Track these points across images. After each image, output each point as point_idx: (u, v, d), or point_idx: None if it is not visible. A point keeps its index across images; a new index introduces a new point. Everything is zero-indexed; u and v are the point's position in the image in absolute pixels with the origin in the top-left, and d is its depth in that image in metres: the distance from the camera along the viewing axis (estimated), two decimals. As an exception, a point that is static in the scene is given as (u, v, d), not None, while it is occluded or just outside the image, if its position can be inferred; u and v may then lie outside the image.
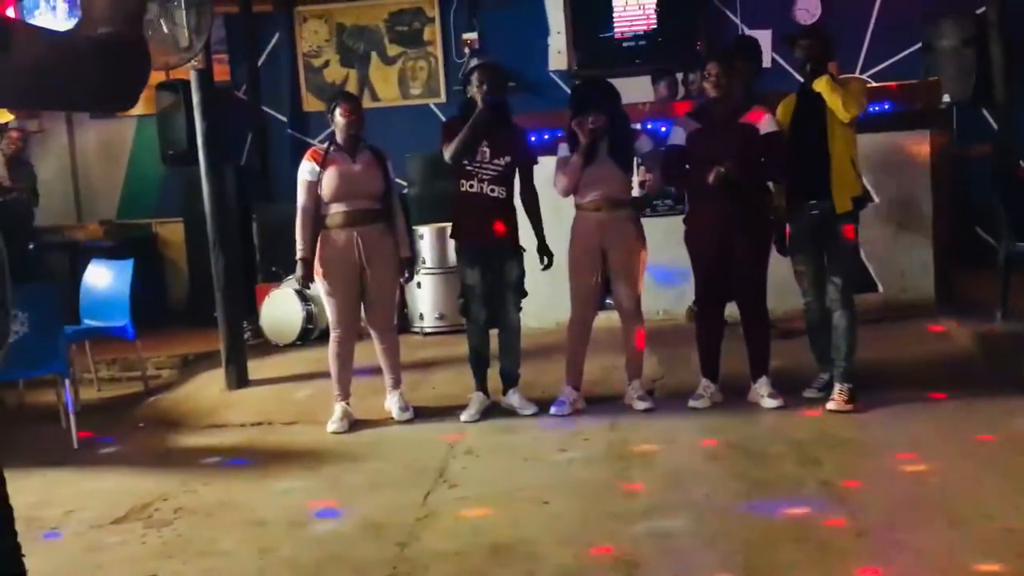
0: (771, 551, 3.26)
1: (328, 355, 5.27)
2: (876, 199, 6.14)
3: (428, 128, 7.85)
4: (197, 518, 4.03)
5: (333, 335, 5.22)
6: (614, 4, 8.16)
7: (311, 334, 7.04)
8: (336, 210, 5.09)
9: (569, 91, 8.16)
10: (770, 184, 5.03)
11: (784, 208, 4.96)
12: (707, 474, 4.11)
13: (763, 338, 5.03)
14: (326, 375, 5.39)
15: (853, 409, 4.74)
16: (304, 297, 6.97)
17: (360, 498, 4.12)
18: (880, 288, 6.44)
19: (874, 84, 7.08)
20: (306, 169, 5.12)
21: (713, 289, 5.04)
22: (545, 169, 5.23)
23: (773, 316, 5.17)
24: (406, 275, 5.40)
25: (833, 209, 4.76)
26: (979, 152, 7.65)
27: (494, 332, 5.29)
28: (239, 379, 6.04)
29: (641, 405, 5.08)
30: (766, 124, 4.85)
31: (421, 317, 7.17)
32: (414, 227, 6.90)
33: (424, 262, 7.05)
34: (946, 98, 7.07)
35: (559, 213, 5.34)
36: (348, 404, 5.26)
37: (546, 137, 6.30)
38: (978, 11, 7.22)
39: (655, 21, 8.13)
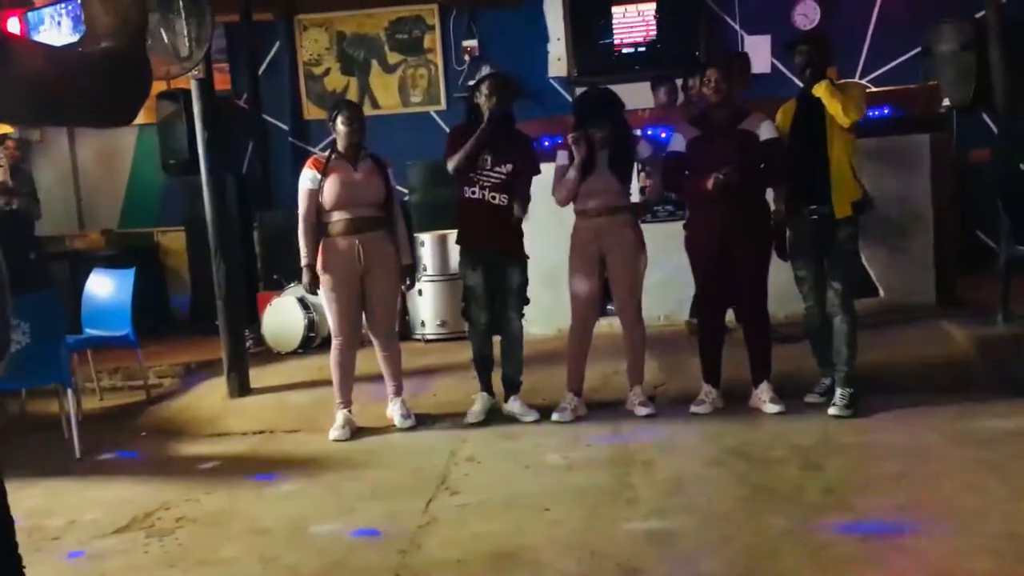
0: (773, 557, 3.26)
1: (330, 363, 5.27)
2: (876, 205, 6.14)
3: (428, 135, 7.88)
4: (199, 527, 4.03)
5: (335, 342, 5.23)
6: (613, 11, 8.18)
7: (313, 342, 7.04)
8: (338, 218, 5.10)
9: (569, 98, 8.31)
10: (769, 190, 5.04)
11: (784, 213, 4.96)
12: (709, 480, 4.10)
13: (764, 343, 5.03)
14: (328, 383, 5.39)
15: (854, 414, 4.74)
16: (306, 305, 6.97)
17: (362, 506, 4.12)
18: (881, 292, 6.44)
19: (873, 89, 7.11)
20: (307, 177, 5.13)
21: (714, 295, 5.04)
22: (545, 176, 5.24)
23: (774, 320, 5.17)
24: (407, 282, 5.42)
25: (833, 214, 4.77)
26: (979, 156, 7.65)
27: (497, 337, 5.30)
28: (241, 387, 6.04)
29: (643, 411, 5.08)
30: (766, 130, 4.86)
31: (422, 324, 7.17)
32: (415, 234, 6.92)
33: (425, 269, 7.05)
34: (946, 102, 7.07)
35: (559, 219, 5.34)
36: (350, 412, 5.26)
37: (546, 144, 6.31)
38: (977, 15, 7.22)
39: (654, 28, 8.15)
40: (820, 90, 4.74)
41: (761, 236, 4.94)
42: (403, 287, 5.43)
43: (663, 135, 6.10)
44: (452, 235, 5.69)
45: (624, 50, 8.18)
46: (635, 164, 5.17)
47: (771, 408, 4.94)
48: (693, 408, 5.05)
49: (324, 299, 5.25)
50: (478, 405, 5.27)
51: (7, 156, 7.93)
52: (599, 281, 5.12)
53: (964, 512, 3.51)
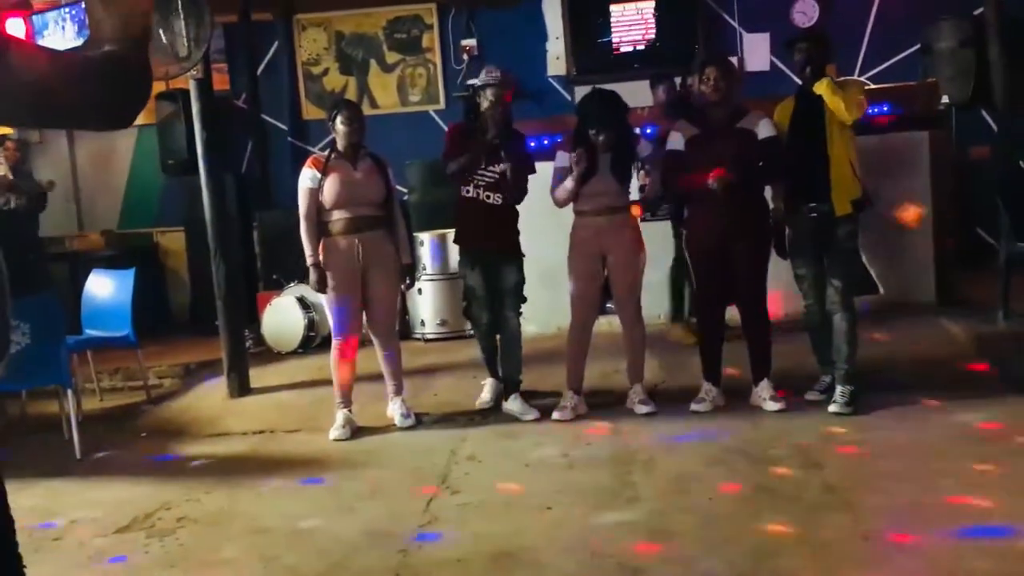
0: (775, 555, 3.26)
1: (330, 362, 5.27)
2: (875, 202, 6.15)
3: (427, 135, 7.87)
4: (200, 527, 4.03)
5: (335, 342, 5.23)
6: (612, 10, 8.17)
7: (313, 342, 7.04)
8: (337, 217, 5.10)
9: (568, 97, 8.31)
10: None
11: (783, 211, 4.96)
12: (709, 478, 4.10)
13: (764, 341, 5.03)
14: (328, 383, 5.39)
15: (855, 412, 4.74)
16: (306, 305, 6.97)
17: (362, 505, 4.12)
18: (881, 290, 6.44)
19: (873, 86, 7.10)
20: (307, 177, 5.13)
21: (714, 293, 5.04)
22: (544, 175, 5.23)
23: (733, 323, 5.19)
24: (407, 281, 5.42)
25: (832, 212, 4.76)
26: (978, 153, 7.65)
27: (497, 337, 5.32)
28: (241, 387, 6.04)
29: (643, 409, 5.08)
30: (764, 129, 4.86)
31: (422, 323, 7.17)
32: (415, 233, 6.91)
33: (425, 268, 7.05)
34: (945, 99, 7.07)
35: (557, 218, 5.34)
36: (350, 411, 5.26)
37: (545, 143, 6.31)
38: (976, 12, 7.22)
39: (653, 26, 8.14)
40: (822, 87, 4.74)
41: (760, 234, 4.94)
42: (403, 286, 5.43)
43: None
44: (451, 234, 5.70)
45: (623, 48, 8.18)
46: (635, 163, 5.15)
47: (772, 406, 4.93)
48: (693, 406, 5.04)
49: (324, 298, 5.25)
50: (487, 392, 5.40)
51: (8, 158, 7.92)
52: (599, 280, 5.12)
53: (965, 511, 3.51)
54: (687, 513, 3.71)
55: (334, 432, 5.17)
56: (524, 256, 5.26)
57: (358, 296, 5.16)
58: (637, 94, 7.34)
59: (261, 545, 3.76)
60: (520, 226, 5.27)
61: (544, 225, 5.44)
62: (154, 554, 3.76)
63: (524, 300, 5.27)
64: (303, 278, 5.24)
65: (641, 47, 8.11)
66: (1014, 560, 3.09)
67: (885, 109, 6.41)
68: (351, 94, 8.71)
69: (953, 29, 7.27)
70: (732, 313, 5.11)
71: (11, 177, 7.78)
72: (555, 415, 5.11)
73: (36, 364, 5.07)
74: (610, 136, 4.92)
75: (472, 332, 5.81)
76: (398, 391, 5.33)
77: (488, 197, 5.15)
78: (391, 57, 8.85)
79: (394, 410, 5.30)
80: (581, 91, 7.69)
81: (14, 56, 1.46)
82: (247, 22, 8.50)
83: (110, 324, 6.25)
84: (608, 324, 5.63)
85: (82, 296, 6.55)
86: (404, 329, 6.87)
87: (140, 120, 8.34)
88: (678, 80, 7.30)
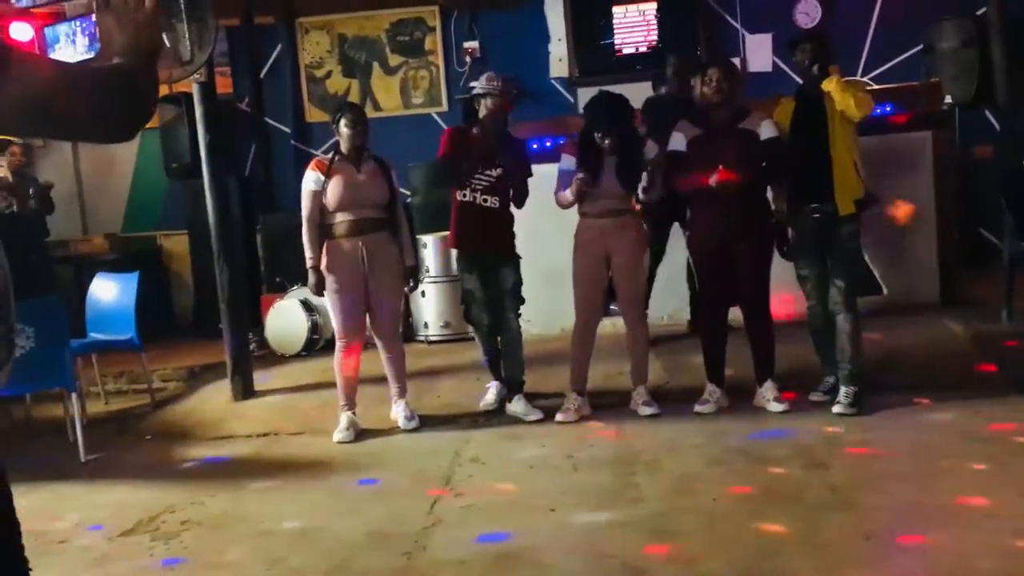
0: (778, 556, 3.26)
1: (334, 365, 5.28)
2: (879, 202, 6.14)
3: (430, 137, 7.83)
4: (204, 530, 4.04)
5: (339, 344, 5.24)
6: (614, 11, 8.17)
7: (316, 344, 7.05)
8: (341, 219, 5.11)
9: (570, 98, 8.31)
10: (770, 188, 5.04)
11: (785, 212, 4.96)
12: (713, 479, 4.10)
13: (768, 342, 5.03)
14: (332, 385, 5.40)
15: (858, 412, 4.74)
16: (309, 307, 6.98)
17: (366, 507, 4.12)
18: (884, 290, 6.43)
19: (875, 87, 7.09)
20: (311, 179, 5.14)
21: (716, 294, 5.04)
22: (547, 179, 5.24)
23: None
24: (411, 284, 5.43)
25: (835, 212, 4.76)
26: (982, 153, 7.64)
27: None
28: (245, 390, 6.04)
29: (646, 411, 5.08)
30: (766, 129, 4.86)
31: (426, 326, 7.17)
32: (418, 236, 6.92)
33: (428, 271, 7.05)
34: (948, 99, 7.06)
35: (560, 220, 5.35)
36: (354, 414, 5.27)
37: (547, 144, 6.31)
38: (978, 12, 7.21)
39: (655, 28, 8.14)
40: (831, 84, 4.73)
41: (762, 235, 4.94)
42: (406, 289, 5.44)
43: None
44: (448, 236, 5.68)
45: (625, 50, 8.18)
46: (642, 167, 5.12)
47: (775, 407, 4.93)
48: (697, 407, 5.05)
49: (328, 301, 5.26)
50: (491, 394, 5.42)
51: (11, 162, 7.92)
52: (603, 282, 5.12)
53: (969, 511, 3.50)
54: (690, 514, 3.71)
55: (338, 435, 5.18)
56: (521, 258, 5.28)
57: (362, 299, 5.17)
58: (639, 95, 7.36)
59: (265, 547, 3.77)
60: (523, 228, 5.27)
61: (547, 227, 5.44)
62: (159, 557, 3.76)
63: (523, 301, 5.29)
64: (307, 281, 5.24)
65: (643, 49, 8.11)
66: (1016, 560, 3.09)
67: (888, 109, 6.41)
68: (354, 97, 8.72)
69: (956, 29, 7.26)
70: (735, 313, 5.11)
71: (11, 180, 7.79)
72: (558, 417, 5.11)
73: (41, 367, 5.08)
74: (615, 139, 4.93)
75: (473, 336, 5.81)
76: (402, 393, 5.34)
77: (485, 200, 5.17)
78: (394, 60, 8.86)
79: (398, 412, 5.31)
80: (583, 93, 7.72)
81: (15, 65, 1.46)
82: (250, 25, 8.51)
83: (114, 327, 6.27)
84: (612, 325, 5.63)
85: (86, 299, 6.56)
86: (407, 331, 6.87)
87: (143, 124, 8.44)
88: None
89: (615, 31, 8.19)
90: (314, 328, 7.02)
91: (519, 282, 5.26)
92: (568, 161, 5.09)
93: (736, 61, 7.29)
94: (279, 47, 8.91)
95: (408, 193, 7.55)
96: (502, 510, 3.95)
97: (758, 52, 8.16)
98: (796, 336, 5.26)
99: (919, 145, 6.40)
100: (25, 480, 4.74)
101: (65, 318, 5.37)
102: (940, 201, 6.42)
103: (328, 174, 5.11)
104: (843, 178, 4.76)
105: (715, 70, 4.90)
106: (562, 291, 5.34)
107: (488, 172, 5.16)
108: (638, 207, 5.16)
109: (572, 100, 8.30)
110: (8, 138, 7.69)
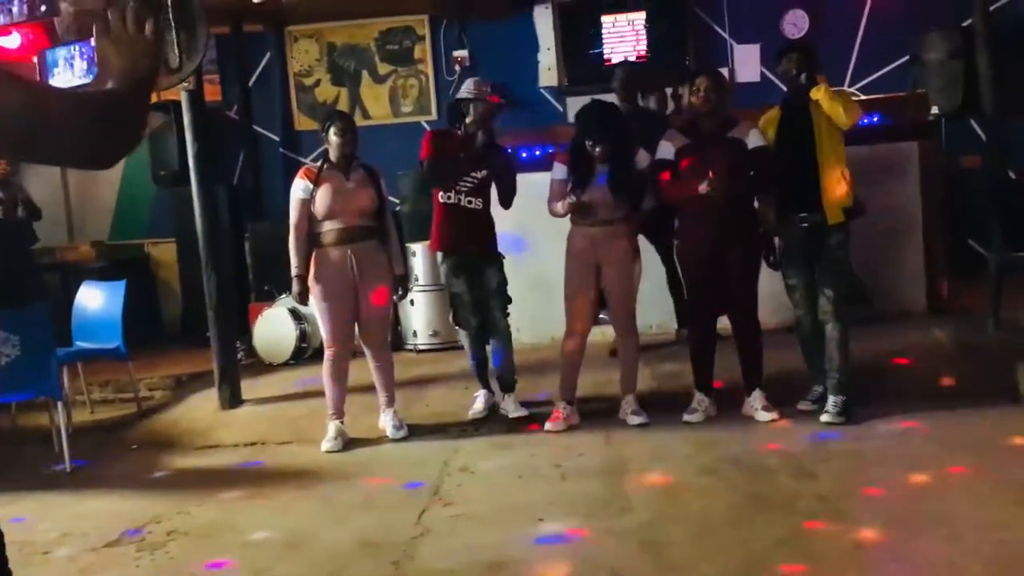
0: (768, 565, 3.26)
1: (322, 373, 5.26)
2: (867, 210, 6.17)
3: (419, 146, 7.86)
4: (190, 540, 4.01)
5: (327, 353, 5.22)
6: (603, 21, 8.19)
7: (304, 353, 7.02)
8: (330, 227, 5.10)
9: (559, 108, 8.33)
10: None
11: (773, 222, 4.97)
12: (702, 488, 4.10)
13: (756, 351, 5.04)
14: (320, 394, 5.37)
15: (847, 421, 4.74)
16: (297, 316, 6.96)
17: (355, 517, 4.10)
18: (872, 300, 6.45)
19: (862, 97, 7.13)
20: (299, 187, 5.13)
21: (705, 303, 5.05)
22: (537, 187, 5.24)
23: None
24: (400, 292, 5.42)
25: (823, 221, 4.78)
26: (969, 163, 7.68)
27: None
28: (232, 399, 6.02)
29: (635, 420, 5.08)
30: (754, 139, 4.87)
31: (415, 335, 7.16)
32: (407, 244, 6.91)
33: (417, 279, 7.04)
34: (934, 110, 7.10)
35: (552, 228, 5.35)
36: (342, 423, 5.24)
37: (537, 153, 6.31)
38: (965, 23, 7.27)
39: (644, 37, 8.17)
40: (819, 93, 4.75)
41: (751, 243, 4.95)
42: (395, 297, 5.43)
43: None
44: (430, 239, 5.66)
45: (614, 59, 8.20)
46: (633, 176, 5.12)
47: (764, 416, 4.94)
48: (686, 417, 5.05)
49: (316, 309, 5.24)
50: (479, 403, 5.43)
51: None
52: (594, 290, 5.12)
53: (959, 519, 3.51)
54: (679, 523, 3.71)
55: (326, 444, 5.15)
56: (504, 257, 5.34)
57: (350, 307, 5.15)
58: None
59: (252, 557, 3.74)
60: (515, 235, 5.29)
61: (541, 233, 5.44)
62: (145, 567, 3.73)
63: (510, 300, 5.33)
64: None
65: (632, 58, 8.13)
66: (1006, 567, 3.09)
67: (875, 119, 6.44)
68: (343, 105, 8.71)
69: (942, 40, 7.31)
70: (723, 323, 5.12)
71: (1, 196, 7.74)
72: (548, 426, 5.11)
73: (26, 376, 5.05)
74: (607, 147, 4.93)
75: (462, 345, 5.79)
76: (390, 402, 5.32)
77: (470, 202, 5.22)
78: (383, 68, 8.86)
79: (386, 422, 5.29)
80: (572, 102, 7.74)
81: None
82: (239, 33, 8.50)
83: (101, 336, 6.22)
84: (602, 334, 5.63)
85: (73, 308, 6.52)
86: (396, 340, 6.85)
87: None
88: (669, 91, 7.33)
89: (604, 40, 8.21)
90: (302, 337, 6.99)
91: (504, 282, 5.29)
92: (560, 170, 5.09)
93: (724, 71, 7.34)
94: (268, 55, 8.90)
95: (397, 201, 7.54)
96: (491, 519, 3.94)
97: (746, 62, 8.20)
98: (784, 344, 5.28)
99: (906, 155, 6.44)
100: (9, 489, 4.72)
101: (51, 326, 5.33)
102: (927, 211, 6.45)
103: (317, 182, 5.10)
104: (831, 187, 4.78)
105: (703, 79, 4.92)
106: (552, 299, 5.34)
107: (473, 174, 5.19)
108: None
109: (561, 109, 8.32)
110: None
